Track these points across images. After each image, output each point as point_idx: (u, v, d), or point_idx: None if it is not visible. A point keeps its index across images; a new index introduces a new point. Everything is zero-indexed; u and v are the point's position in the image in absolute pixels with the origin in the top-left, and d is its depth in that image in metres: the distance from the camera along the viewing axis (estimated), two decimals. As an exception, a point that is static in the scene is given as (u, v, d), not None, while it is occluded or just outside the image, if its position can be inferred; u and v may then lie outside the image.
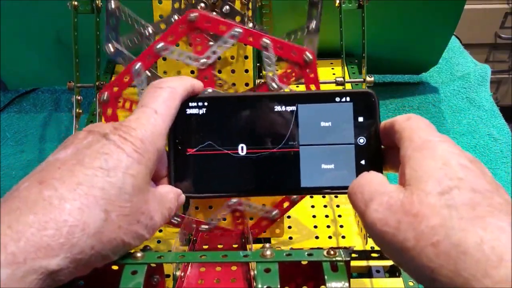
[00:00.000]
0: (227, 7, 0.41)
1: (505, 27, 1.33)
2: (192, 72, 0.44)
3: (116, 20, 0.43)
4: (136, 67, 0.39)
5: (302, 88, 0.41)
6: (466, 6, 0.65)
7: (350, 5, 0.54)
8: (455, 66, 0.81)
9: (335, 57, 0.73)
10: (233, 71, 0.44)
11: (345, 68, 0.59)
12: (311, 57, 0.39)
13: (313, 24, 0.43)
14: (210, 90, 0.40)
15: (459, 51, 0.84)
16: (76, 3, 0.50)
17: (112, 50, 0.42)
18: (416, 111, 0.73)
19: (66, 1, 0.49)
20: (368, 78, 0.55)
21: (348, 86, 0.56)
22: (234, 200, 0.44)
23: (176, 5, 0.42)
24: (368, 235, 0.30)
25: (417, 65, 0.76)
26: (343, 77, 0.55)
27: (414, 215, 0.25)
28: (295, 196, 0.44)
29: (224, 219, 0.46)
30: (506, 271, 0.21)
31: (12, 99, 0.75)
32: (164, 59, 0.44)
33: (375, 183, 0.28)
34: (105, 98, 0.40)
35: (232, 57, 0.44)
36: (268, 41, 0.38)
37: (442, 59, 0.77)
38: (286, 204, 0.45)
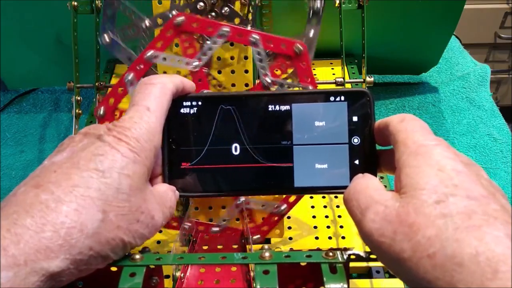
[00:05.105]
0: (227, 8, 0.41)
1: (505, 27, 1.33)
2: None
3: (113, 11, 0.42)
4: (129, 78, 0.39)
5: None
6: (466, 6, 0.65)
7: (350, 5, 0.54)
8: (455, 66, 0.81)
9: (335, 57, 0.73)
10: (232, 72, 0.44)
11: (345, 68, 0.58)
12: (301, 48, 0.38)
13: (310, 33, 0.42)
14: (205, 91, 0.39)
15: (459, 51, 0.84)
16: (75, 3, 0.50)
17: (107, 40, 0.42)
18: (416, 111, 0.73)
19: (66, 1, 0.49)
20: (368, 78, 0.55)
21: (348, 86, 0.56)
22: (242, 199, 0.44)
23: (176, 3, 0.42)
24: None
25: (417, 65, 0.76)
26: (343, 77, 0.55)
27: (409, 225, 0.24)
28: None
29: (237, 219, 0.46)
30: (501, 283, 0.21)
31: (12, 99, 0.75)
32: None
33: (370, 190, 0.28)
34: (101, 112, 0.39)
35: (232, 58, 0.44)
36: (257, 37, 0.38)
37: (442, 59, 0.77)
38: (292, 198, 0.44)
